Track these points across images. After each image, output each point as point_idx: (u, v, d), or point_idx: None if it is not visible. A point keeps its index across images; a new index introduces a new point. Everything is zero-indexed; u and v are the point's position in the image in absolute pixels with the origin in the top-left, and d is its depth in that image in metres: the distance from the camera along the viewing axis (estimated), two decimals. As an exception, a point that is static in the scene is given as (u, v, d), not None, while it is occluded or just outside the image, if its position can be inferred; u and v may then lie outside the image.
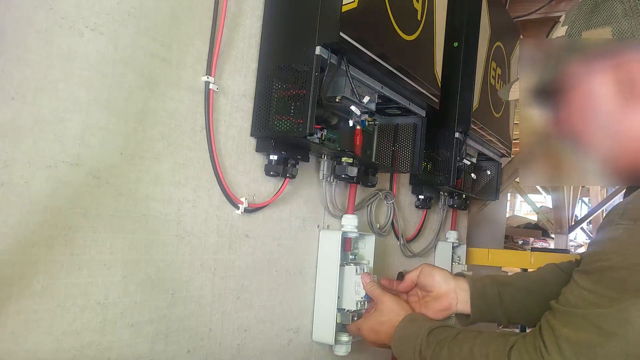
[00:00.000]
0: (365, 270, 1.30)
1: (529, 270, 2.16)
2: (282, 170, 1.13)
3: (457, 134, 1.73)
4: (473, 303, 1.10)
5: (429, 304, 1.13)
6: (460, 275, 1.18)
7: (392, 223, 1.65)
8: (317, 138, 1.21)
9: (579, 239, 7.49)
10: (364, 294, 1.27)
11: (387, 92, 1.32)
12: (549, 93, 0.80)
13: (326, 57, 1.06)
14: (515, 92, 0.91)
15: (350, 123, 1.25)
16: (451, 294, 1.11)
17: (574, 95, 0.79)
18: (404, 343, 0.97)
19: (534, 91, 0.82)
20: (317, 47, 1.03)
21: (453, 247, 2.01)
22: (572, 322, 0.72)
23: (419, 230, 1.88)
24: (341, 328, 1.29)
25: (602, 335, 0.69)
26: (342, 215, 1.36)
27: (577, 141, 0.80)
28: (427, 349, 0.90)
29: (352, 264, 1.30)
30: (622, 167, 0.78)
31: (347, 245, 1.34)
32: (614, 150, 0.77)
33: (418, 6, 1.34)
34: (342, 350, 1.31)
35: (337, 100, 1.13)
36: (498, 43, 1.92)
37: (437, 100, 1.49)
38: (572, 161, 0.81)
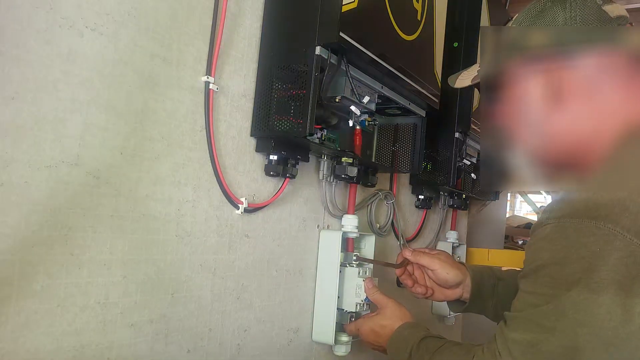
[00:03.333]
0: (367, 273, 1.31)
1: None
2: (282, 170, 1.13)
3: (457, 134, 1.72)
4: (472, 293, 1.16)
5: (441, 290, 1.20)
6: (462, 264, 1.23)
7: (392, 223, 1.65)
8: (317, 138, 1.21)
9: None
10: (365, 296, 1.27)
11: (387, 92, 1.32)
12: (495, 85, 0.84)
13: (326, 57, 1.06)
14: (462, 80, 0.95)
15: (350, 123, 1.25)
16: (463, 287, 1.18)
17: (511, 92, 0.82)
18: (399, 344, 1.03)
19: (484, 81, 0.85)
20: (317, 47, 1.03)
21: (453, 247, 2.01)
22: (518, 325, 0.76)
23: (419, 230, 1.88)
24: (341, 328, 1.30)
25: (543, 332, 0.72)
26: (342, 215, 1.36)
27: (510, 137, 0.84)
28: (415, 354, 0.96)
29: (354, 265, 1.30)
30: (546, 165, 0.82)
31: (349, 245, 1.34)
32: (539, 148, 0.82)
33: (418, 6, 1.34)
34: (342, 350, 1.31)
35: (337, 100, 1.13)
36: (498, 43, 1.91)
37: (437, 100, 1.48)
38: (509, 160, 0.84)
